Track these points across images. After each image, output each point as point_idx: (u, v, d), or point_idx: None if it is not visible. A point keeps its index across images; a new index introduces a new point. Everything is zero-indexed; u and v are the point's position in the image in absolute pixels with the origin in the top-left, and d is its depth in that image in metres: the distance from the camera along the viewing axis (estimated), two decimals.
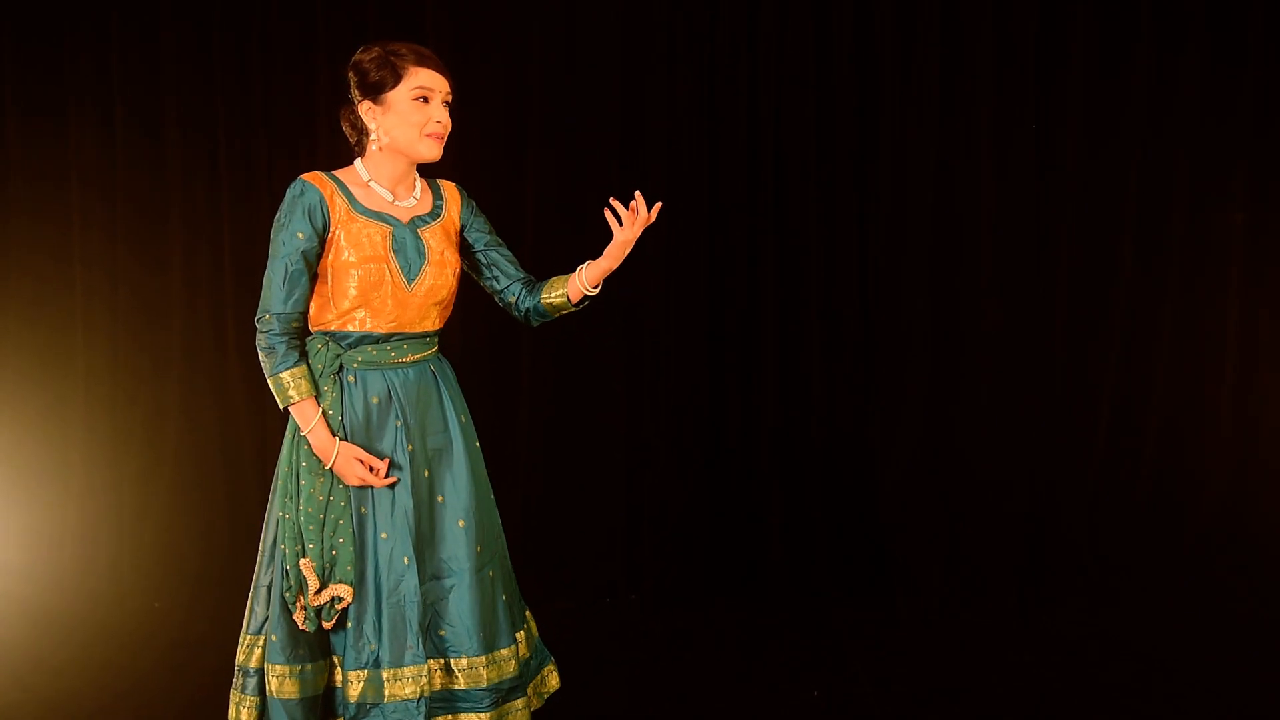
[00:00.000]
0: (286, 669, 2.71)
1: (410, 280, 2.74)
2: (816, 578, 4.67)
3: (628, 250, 2.80)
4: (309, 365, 2.72)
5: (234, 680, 2.82)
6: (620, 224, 2.77)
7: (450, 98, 2.76)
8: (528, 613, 3.02)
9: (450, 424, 2.83)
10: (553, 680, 3.02)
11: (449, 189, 2.91)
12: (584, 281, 2.84)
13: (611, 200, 2.77)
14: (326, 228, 2.68)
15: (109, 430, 4.78)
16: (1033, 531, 4.66)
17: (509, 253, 2.98)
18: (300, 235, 2.66)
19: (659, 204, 2.80)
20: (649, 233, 4.57)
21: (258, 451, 4.77)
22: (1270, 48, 4.55)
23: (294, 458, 2.72)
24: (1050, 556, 4.64)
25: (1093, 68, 4.57)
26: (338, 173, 2.77)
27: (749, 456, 4.73)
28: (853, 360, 4.70)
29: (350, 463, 2.69)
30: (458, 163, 4.56)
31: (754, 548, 4.73)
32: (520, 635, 2.91)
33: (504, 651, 2.81)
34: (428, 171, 2.94)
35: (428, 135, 2.73)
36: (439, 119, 2.73)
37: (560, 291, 2.88)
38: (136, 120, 4.72)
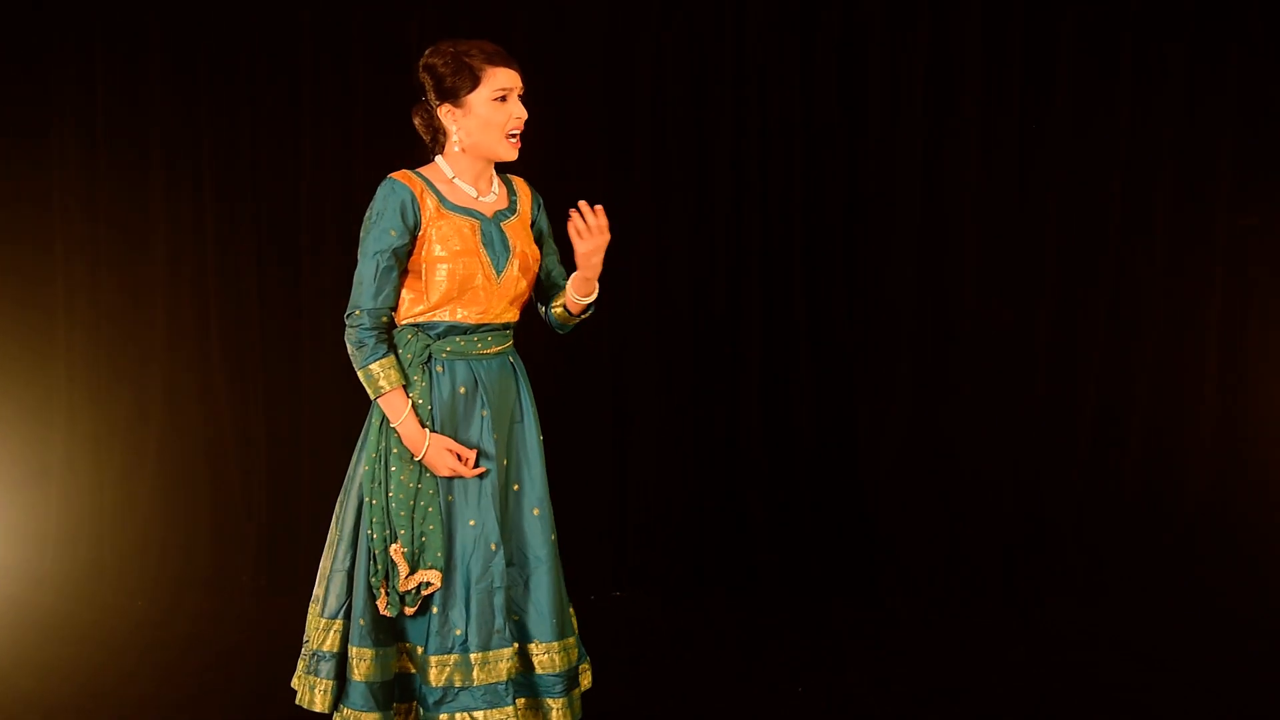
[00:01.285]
0: (371, 652, 2.77)
1: (499, 272, 2.80)
2: (816, 578, 4.68)
3: (595, 259, 2.82)
4: (398, 357, 2.77)
5: (306, 664, 2.86)
6: (581, 237, 2.80)
7: (523, 90, 2.79)
8: (570, 608, 3.07)
9: (525, 415, 2.91)
10: (585, 679, 3.05)
11: (521, 185, 2.97)
12: (572, 295, 2.91)
13: (571, 213, 2.79)
14: (418, 225, 2.75)
15: (91, 429, 4.78)
16: (1032, 531, 4.67)
17: (558, 262, 3.04)
18: (393, 233, 2.72)
19: (600, 206, 2.79)
20: (639, 233, 4.59)
21: (240, 451, 4.77)
22: (1257, 45, 4.55)
23: (381, 444, 2.78)
24: (1049, 556, 4.65)
25: (1081, 67, 4.57)
26: (423, 170, 2.83)
27: (750, 457, 4.73)
28: (851, 361, 4.70)
29: (441, 453, 2.74)
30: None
31: (754, 548, 4.73)
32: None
33: (570, 640, 2.89)
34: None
35: (508, 136, 2.78)
36: (518, 115, 2.78)
37: (560, 303, 2.96)
38: (120, 140, 4.72)
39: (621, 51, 4.67)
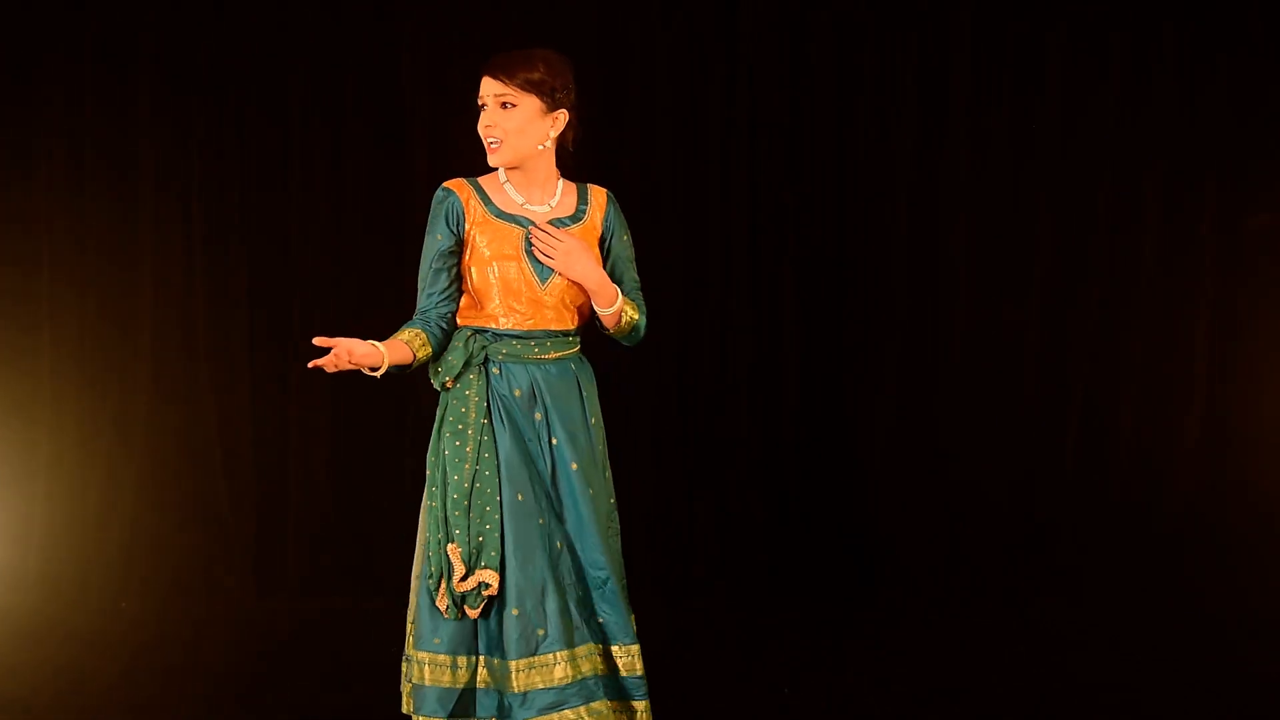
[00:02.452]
0: (426, 655, 2.78)
1: (543, 280, 2.80)
2: (815, 578, 4.67)
3: (575, 271, 2.78)
4: (425, 335, 2.78)
5: (403, 669, 2.88)
6: (547, 258, 2.80)
7: (506, 98, 2.74)
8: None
9: (588, 422, 2.89)
10: None
11: (596, 194, 2.93)
12: (595, 307, 2.88)
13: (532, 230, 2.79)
14: (462, 229, 2.79)
15: (76, 430, 4.74)
16: (1032, 531, 4.67)
17: (632, 277, 2.95)
18: (439, 237, 2.79)
19: (537, 223, 2.79)
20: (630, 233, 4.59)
21: (225, 454, 4.74)
22: (1252, 44, 4.54)
23: (439, 447, 2.79)
24: (1048, 556, 4.64)
25: (1072, 65, 4.57)
26: (482, 178, 2.86)
27: (749, 458, 4.73)
28: (849, 362, 4.70)
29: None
30: (435, 166, 4.59)
31: (753, 547, 4.72)
32: None
33: (637, 645, 2.86)
34: (583, 176, 2.95)
35: (486, 142, 2.78)
36: (485, 123, 2.77)
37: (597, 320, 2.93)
38: (107, 155, 4.69)
39: (614, 50, 4.66)
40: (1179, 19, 4.56)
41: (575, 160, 4.45)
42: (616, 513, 2.94)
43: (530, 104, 2.76)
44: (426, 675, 2.79)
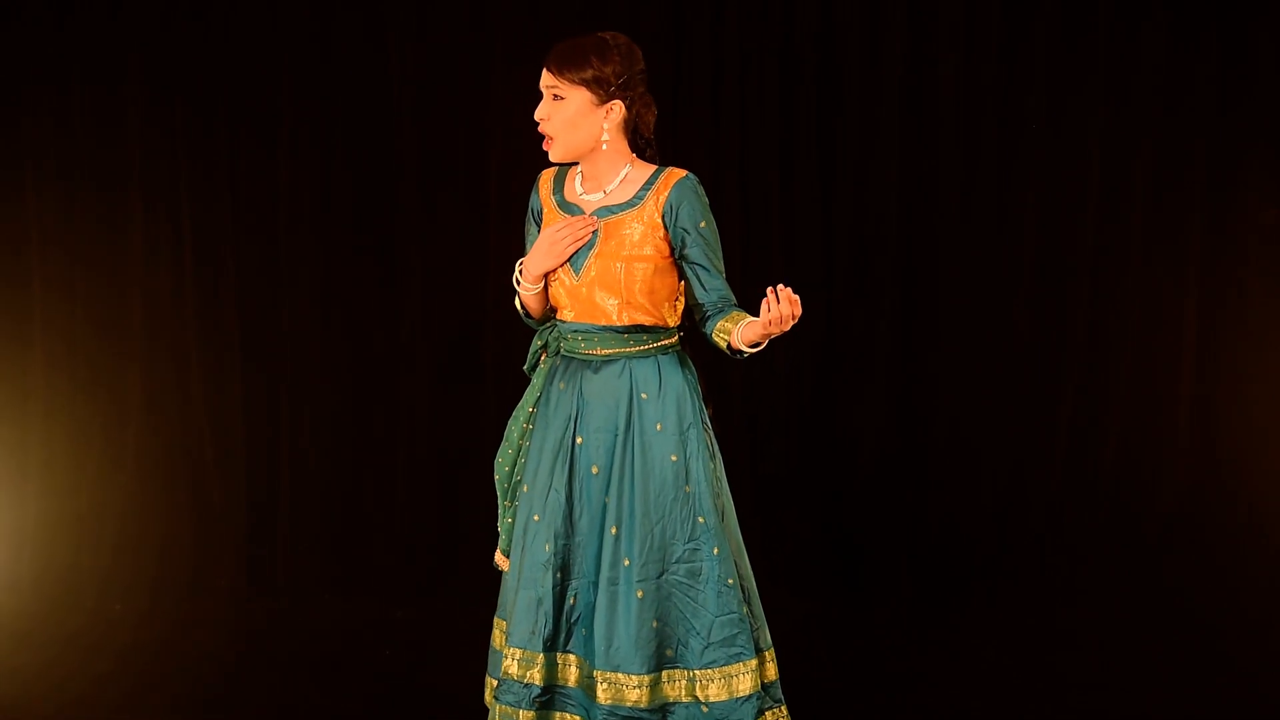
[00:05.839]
0: (496, 621, 2.89)
1: (577, 271, 2.74)
2: (802, 578, 4.66)
3: (772, 331, 2.55)
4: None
5: None
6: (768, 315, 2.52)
7: (557, 90, 2.69)
8: (737, 666, 2.74)
9: (633, 428, 2.72)
10: None
11: (667, 178, 2.76)
12: (738, 334, 2.67)
13: (768, 290, 2.54)
14: (540, 220, 2.84)
15: (68, 430, 4.73)
16: (1029, 533, 4.65)
17: (705, 266, 2.75)
18: (529, 232, 2.87)
19: (788, 290, 2.51)
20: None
21: (220, 454, 4.73)
22: (1232, 31, 4.52)
23: None
24: (1041, 557, 4.64)
25: (1057, 60, 4.55)
26: (572, 165, 2.85)
27: (737, 460, 4.69)
28: (836, 364, 4.69)
29: (547, 241, 2.75)
30: (425, 179, 4.60)
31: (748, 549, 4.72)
32: (673, 674, 2.72)
33: (628, 677, 2.66)
34: (673, 159, 2.88)
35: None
36: (539, 114, 2.73)
37: (723, 337, 2.71)
38: (97, 176, 4.67)
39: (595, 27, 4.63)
40: (1167, 3, 4.55)
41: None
42: (708, 536, 2.72)
43: (579, 97, 2.68)
44: (498, 641, 2.87)
